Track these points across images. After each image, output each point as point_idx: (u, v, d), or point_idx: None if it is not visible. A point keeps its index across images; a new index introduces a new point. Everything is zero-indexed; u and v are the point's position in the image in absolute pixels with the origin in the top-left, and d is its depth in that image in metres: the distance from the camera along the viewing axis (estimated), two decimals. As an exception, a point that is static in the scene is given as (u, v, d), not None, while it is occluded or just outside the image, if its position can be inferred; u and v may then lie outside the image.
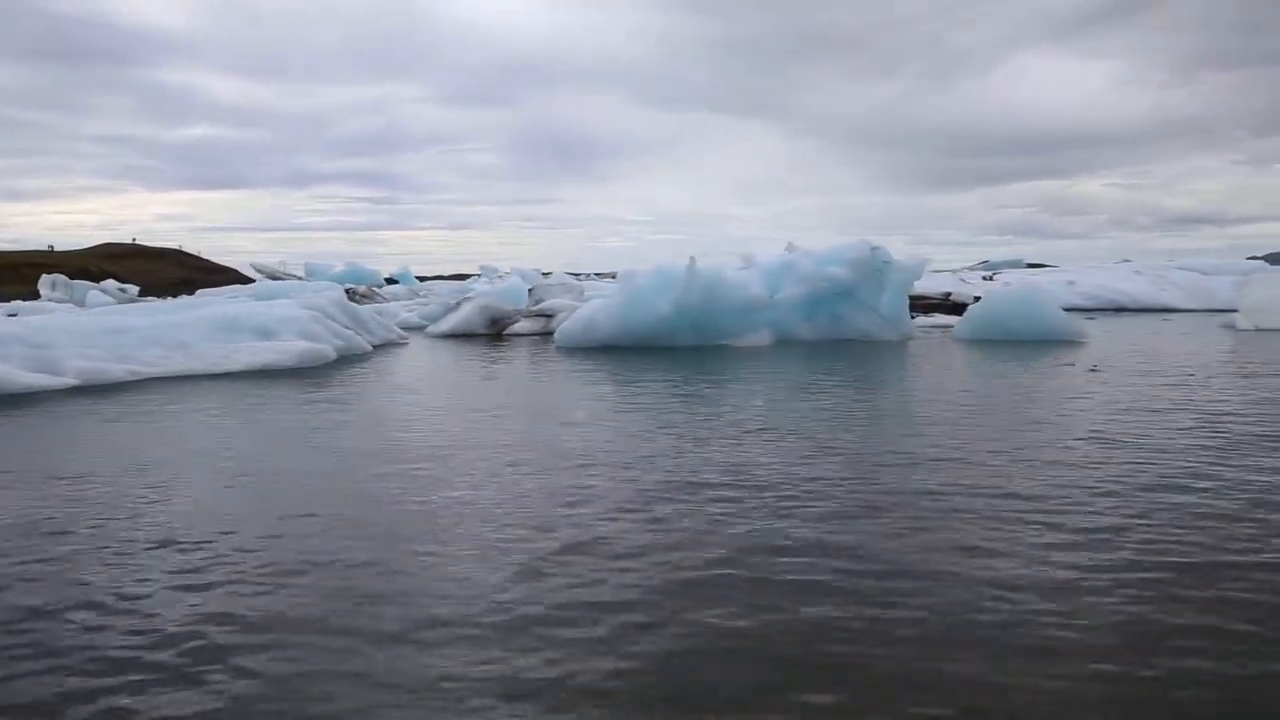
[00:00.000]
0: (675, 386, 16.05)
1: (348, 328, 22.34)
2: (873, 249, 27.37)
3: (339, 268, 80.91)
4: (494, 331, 30.26)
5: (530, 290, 32.98)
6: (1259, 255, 74.07)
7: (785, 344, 25.19)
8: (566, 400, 14.22)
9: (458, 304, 31.64)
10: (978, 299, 32.42)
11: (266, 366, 17.87)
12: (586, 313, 24.28)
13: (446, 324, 30.55)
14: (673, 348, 23.47)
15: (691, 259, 24.18)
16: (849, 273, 26.96)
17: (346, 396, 14.56)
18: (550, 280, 35.23)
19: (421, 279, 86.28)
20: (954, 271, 63.69)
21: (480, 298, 31.70)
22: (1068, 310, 55.65)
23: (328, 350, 19.15)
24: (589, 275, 65.77)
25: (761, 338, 25.14)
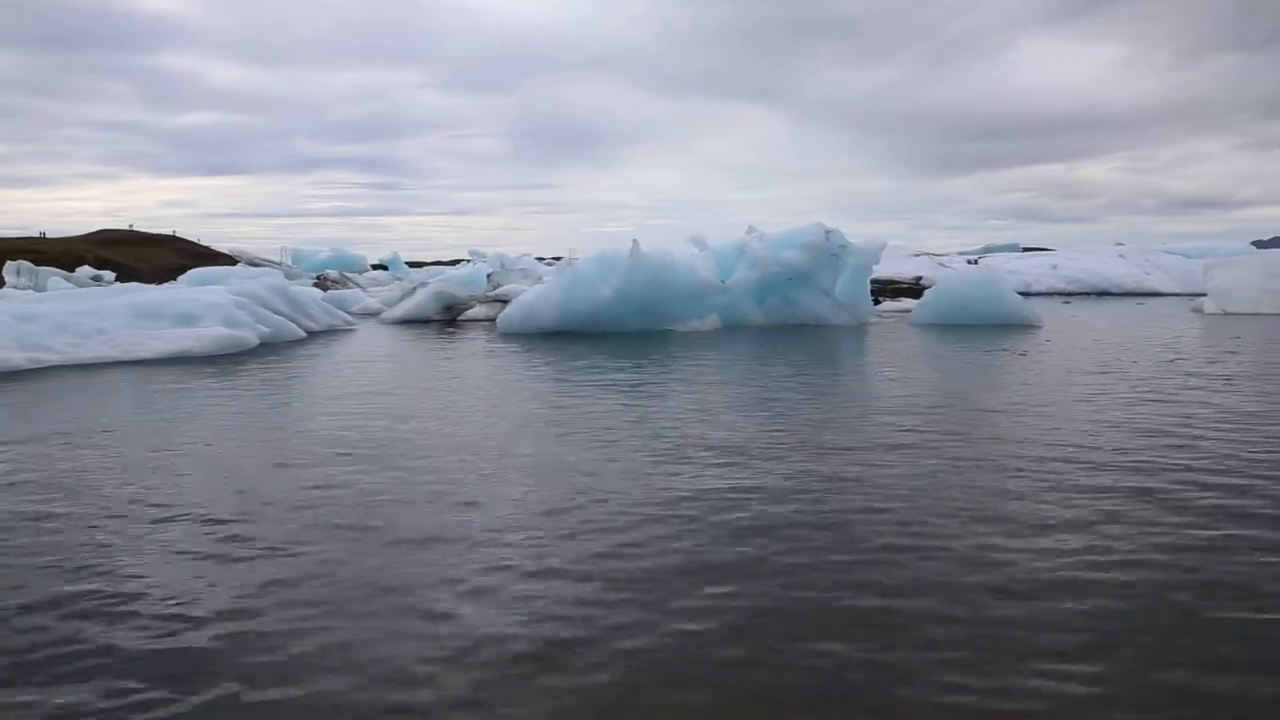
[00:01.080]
0: (592, 372, 15.64)
1: (279, 313, 21.94)
2: (828, 232, 26.91)
3: (325, 254, 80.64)
4: (448, 318, 29.88)
5: (489, 276, 32.56)
6: (1264, 239, 73.49)
7: (734, 329, 24.78)
8: (465, 387, 13.79)
9: (413, 290, 31.23)
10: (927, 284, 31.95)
11: (182, 353, 17.50)
12: (528, 299, 23.87)
13: (400, 310, 30.17)
14: (617, 333, 23.06)
15: (634, 242, 23.76)
16: (803, 256, 26.52)
17: (240, 384, 14.18)
18: (509, 266, 34.77)
19: (415, 265, 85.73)
20: (934, 255, 63.01)
21: (435, 284, 31.27)
22: (1049, 294, 55.47)
23: (248, 337, 18.77)
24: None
25: (709, 322, 24.73)
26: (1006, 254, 67.82)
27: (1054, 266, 58.73)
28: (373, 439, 9.41)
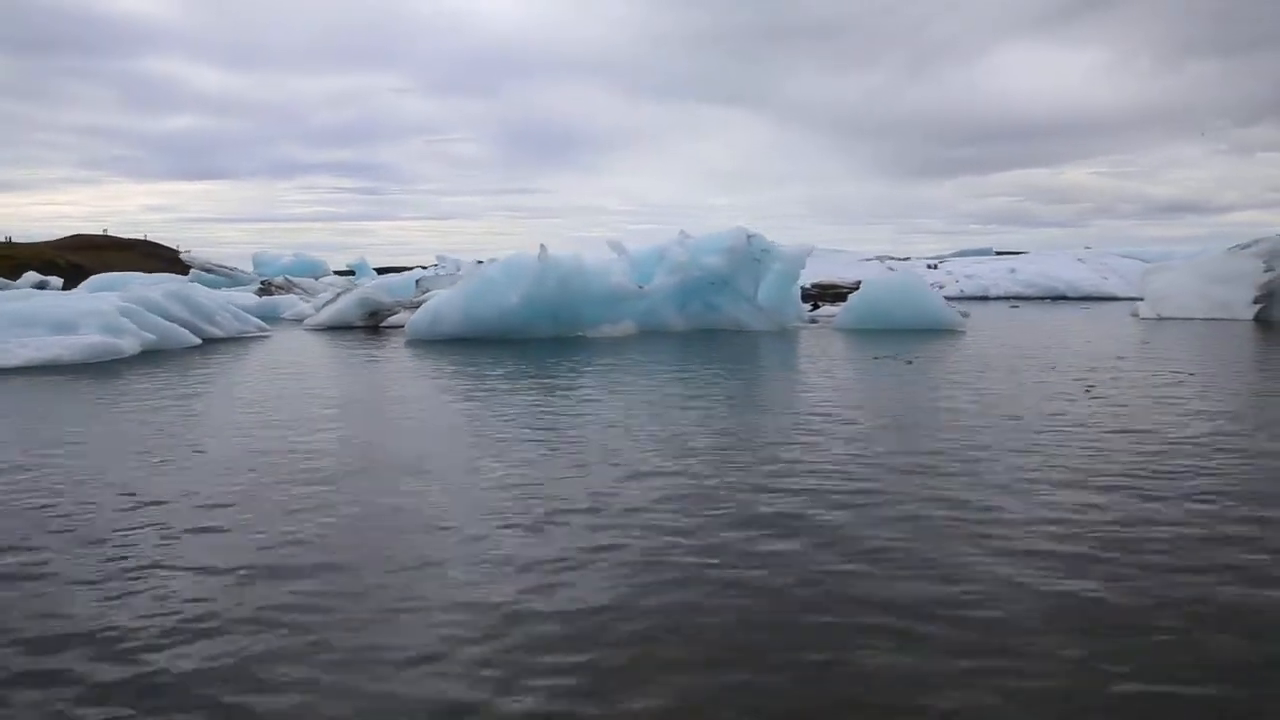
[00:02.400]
0: (460, 379, 15.24)
1: (176, 320, 21.42)
2: (750, 237, 26.56)
3: (288, 258, 79.84)
4: (372, 324, 29.38)
5: (417, 282, 32.09)
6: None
7: (650, 334, 24.39)
8: (330, 395, 13.29)
9: (336, 296, 30.75)
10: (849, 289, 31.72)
11: (51, 361, 16.97)
12: (433, 305, 23.40)
13: (323, 316, 29.66)
14: (526, 339, 22.63)
15: (541, 247, 23.35)
16: (724, 261, 26.17)
17: (89, 395, 13.68)
18: (467, 271, 34.29)
19: (387, 270, 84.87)
20: (887, 259, 62.75)
21: (360, 290, 30.78)
22: (1006, 298, 55.34)
23: (125, 345, 18.23)
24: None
25: (624, 328, 24.33)
26: (968, 258, 67.67)
27: (1012, 270, 58.63)
28: (181, 453, 8.96)
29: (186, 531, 6.27)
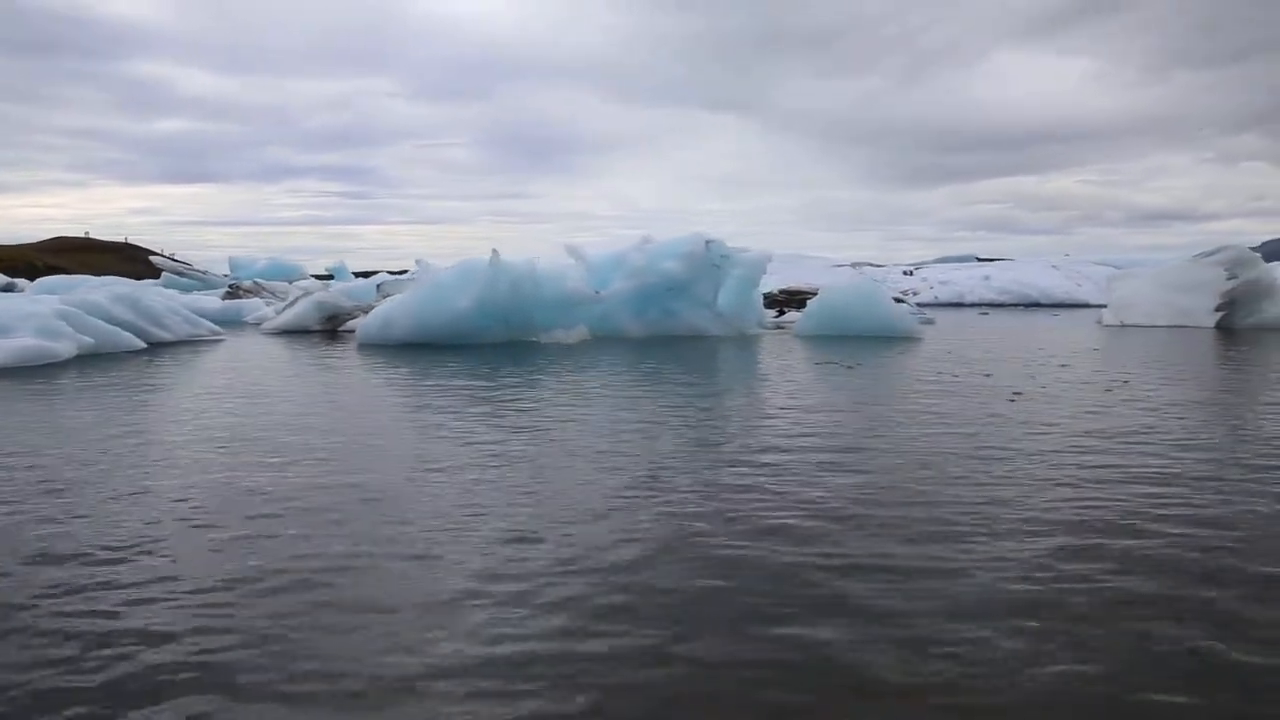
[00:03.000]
0: (396, 387, 15.04)
1: (120, 323, 21.14)
2: (708, 243, 26.43)
3: (263, 262, 79.35)
4: (329, 328, 29.13)
5: (378, 286, 31.86)
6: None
7: (605, 340, 24.21)
8: (260, 404, 13.04)
9: (294, 300, 30.49)
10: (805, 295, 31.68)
11: (-20, 365, 16.68)
12: (384, 310, 23.19)
13: (281, 320, 29.39)
14: (477, 344, 22.40)
15: (493, 252, 23.16)
16: (682, 267, 26.02)
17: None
18: (404, 275, 34.06)
19: (367, 274, 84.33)
20: (861, 265, 62.79)
21: (319, 294, 30.52)
22: (980, 305, 55.40)
23: (60, 348, 17.94)
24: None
25: (577, 334, 24.13)
26: (945, 265, 67.80)
27: (987, 277, 58.78)
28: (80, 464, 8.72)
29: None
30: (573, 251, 26.76)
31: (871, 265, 68.37)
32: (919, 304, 54.45)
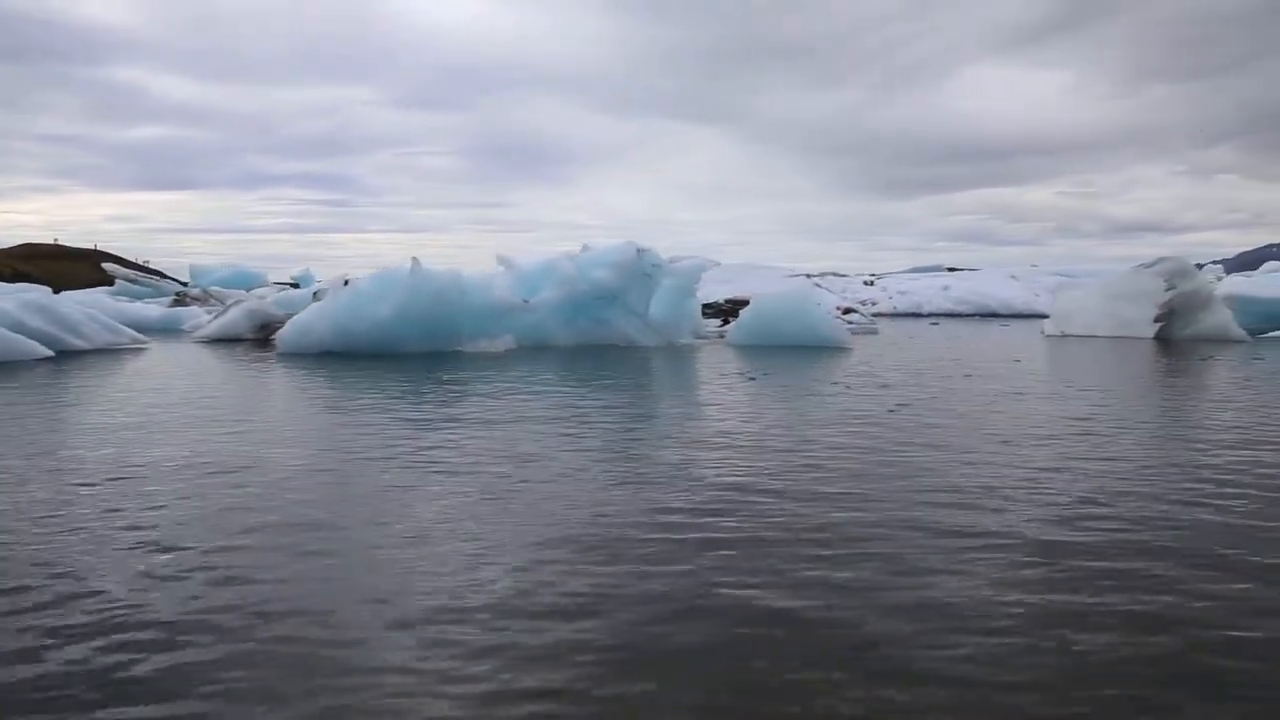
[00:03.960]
0: (295, 396, 14.75)
1: (25, 331, 20.74)
2: (640, 251, 26.26)
3: (223, 270, 78.66)
4: (261, 336, 28.72)
5: (316, 293, 31.49)
6: (1202, 263, 74.83)
7: (532, 350, 23.95)
8: (155, 412, 12.69)
9: (227, 308, 30.11)
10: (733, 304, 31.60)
11: None
12: (303, 318, 22.88)
13: (212, 328, 29.02)
14: (397, 353, 22.11)
15: (414, 260, 22.89)
16: (613, 276, 25.83)
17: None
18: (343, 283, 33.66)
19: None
20: (825, 273, 62.89)
21: (250, 301, 30.15)
22: (938, 315, 55.54)
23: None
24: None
25: (502, 343, 23.88)
26: (904, 275, 68.00)
27: (946, 288, 58.95)
28: None
29: None
30: (502, 260, 26.51)
31: (836, 275, 68.42)
32: (876, 314, 54.61)
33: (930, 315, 55.39)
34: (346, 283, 24.07)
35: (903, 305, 56.59)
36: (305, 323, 22.57)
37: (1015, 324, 44.67)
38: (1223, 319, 32.22)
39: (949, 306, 57.00)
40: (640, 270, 26.29)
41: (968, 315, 55.90)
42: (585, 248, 27.69)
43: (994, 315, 55.77)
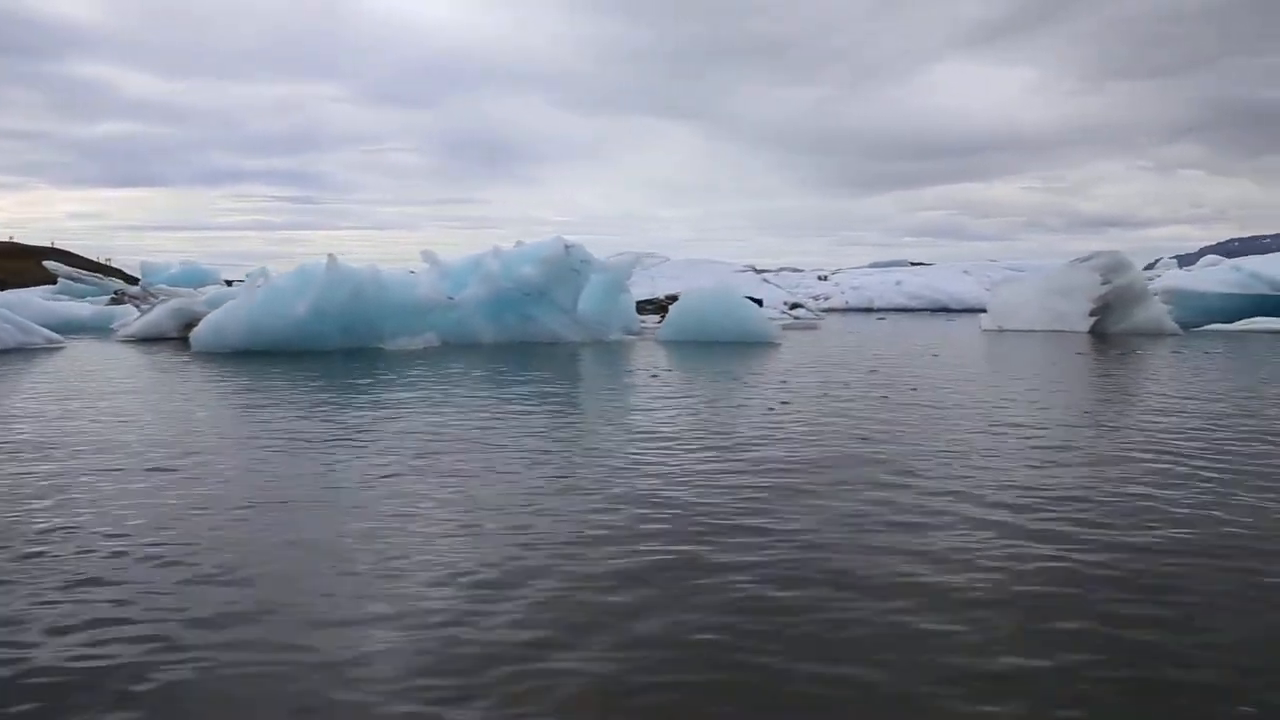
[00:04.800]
0: (197, 397, 14.38)
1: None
2: (567, 248, 26.03)
3: (175, 268, 77.52)
4: (186, 335, 28.18)
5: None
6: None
7: (456, 348, 23.64)
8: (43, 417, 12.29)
9: (152, 306, 29.58)
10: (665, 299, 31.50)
11: None
12: (216, 316, 22.46)
13: (135, 327, 28.50)
14: (315, 351, 21.75)
15: (329, 256, 22.53)
16: (540, 272, 25.58)
17: None
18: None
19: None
20: (759, 270, 62.78)
21: (176, 300, 29.62)
22: (889, 310, 55.70)
23: None
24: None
25: (424, 340, 23.59)
26: (857, 270, 68.18)
27: (899, 283, 59.15)
28: None
29: None
30: (427, 257, 26.18)
31: (793, 270, 68.45)
32: (829, 309, 54.70)
33: (881, 310, 55.57)
34: (263, 280, 23.60)
35: (856, 300, 56.73)
36: (218, 321, 22.16)
37: (963, 319, 44.79)
38: (1156, 313, 32.48)
39: (902, 301, 57.20)
40: (568, 266, 26.06)
41: (920, 310, 56.13)
42: (496, 249, 27.31)
43: (946, 310, 55.99)
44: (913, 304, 57.03)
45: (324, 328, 22.34)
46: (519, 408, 12.42)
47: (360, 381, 15.81)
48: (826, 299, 55.89)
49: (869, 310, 55.56)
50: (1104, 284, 32.87)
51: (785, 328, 34.11)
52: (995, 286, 36.00)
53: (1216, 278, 37.50)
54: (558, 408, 12.59)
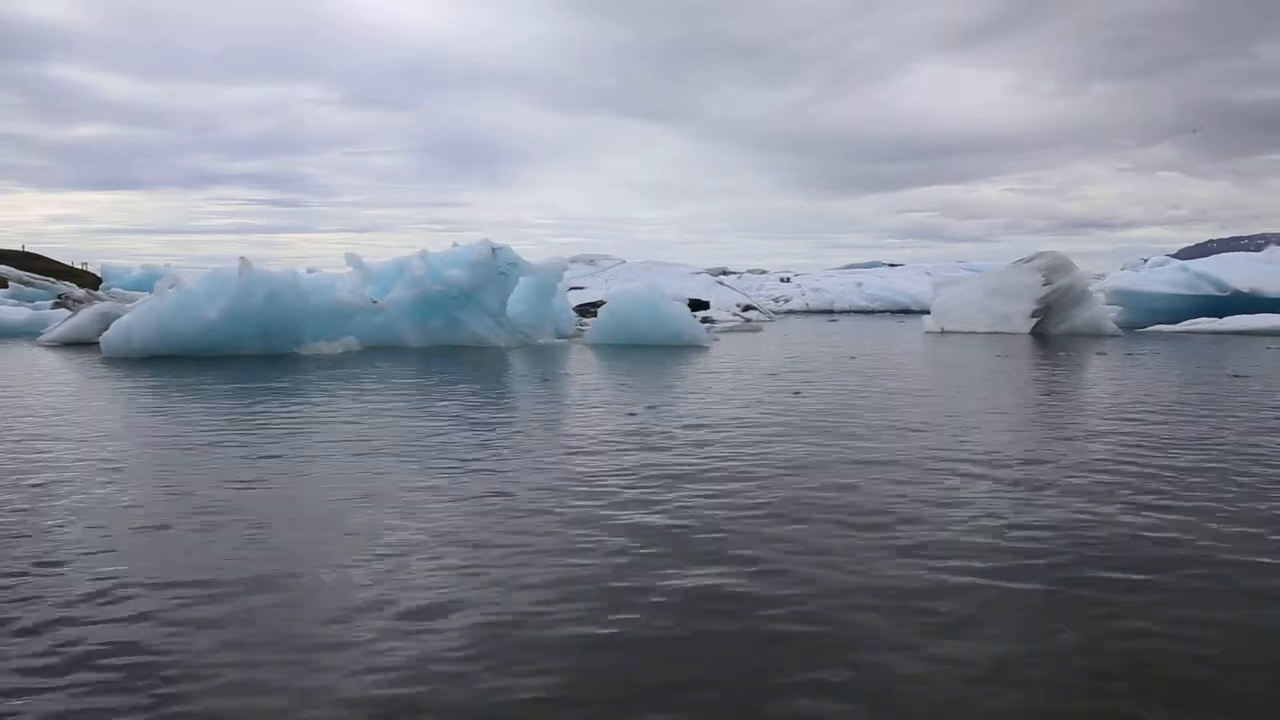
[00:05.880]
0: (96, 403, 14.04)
1: None
2: (494, 250, 25.76)
3: (137, 272, 76.79)
4: (113, 339, 27.85)
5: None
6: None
7: (378, 351, 23.33)
8: None
9: (77, 310, 29.14)
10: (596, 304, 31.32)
11: None
12: (126, 320, 22.07)
13: (59, 332, 28.03)
14: (231, 356, 21.42)
15: (242, 260, 22.20)
16: (467, 275, 25.28)
17: None
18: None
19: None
20: (714, 273, 62.68)
21: (102, 304, 29.19)
22: (849, 311, 55.63)
23: None
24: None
25: (343, 344, 23.25)
26: (820, 273, 68.18)
27: (859, 285, 59.10)
28: None
29: None
30: (351, 260, 25.84)
31: (757, 272, 68.39)
32: (789, 310, 54.64)
33: (842, 311, 55.51)
34: (174, 284, 23.21)
35: (816, 302, 56.65)
36: (127, 325, 21.77)
37: (917, 321, 44.74)
38: (1096, 314, 32.47)
39: (862, 303, 57.16)
40: (495, 269, 25.80)
41: (880, 312, 56.11)
42: (424, 253, 26.89)
43: (906, 311, 55.96)
44: (874, 306, 57.01)
45: (239, 332, 21.99)
46: (386, 411, 12.14)
47: (251, 385, 15.50)
48: (788, 301, 55.81)
49: (830, 312, 55.49)
50: (1045, 285, 32.86)
51: (728, 330, 33.99)
52: (938, 288, 35.92)
53: (1163, 279, 37.59)
54: (411, 411, 12.31)
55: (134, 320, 21.87)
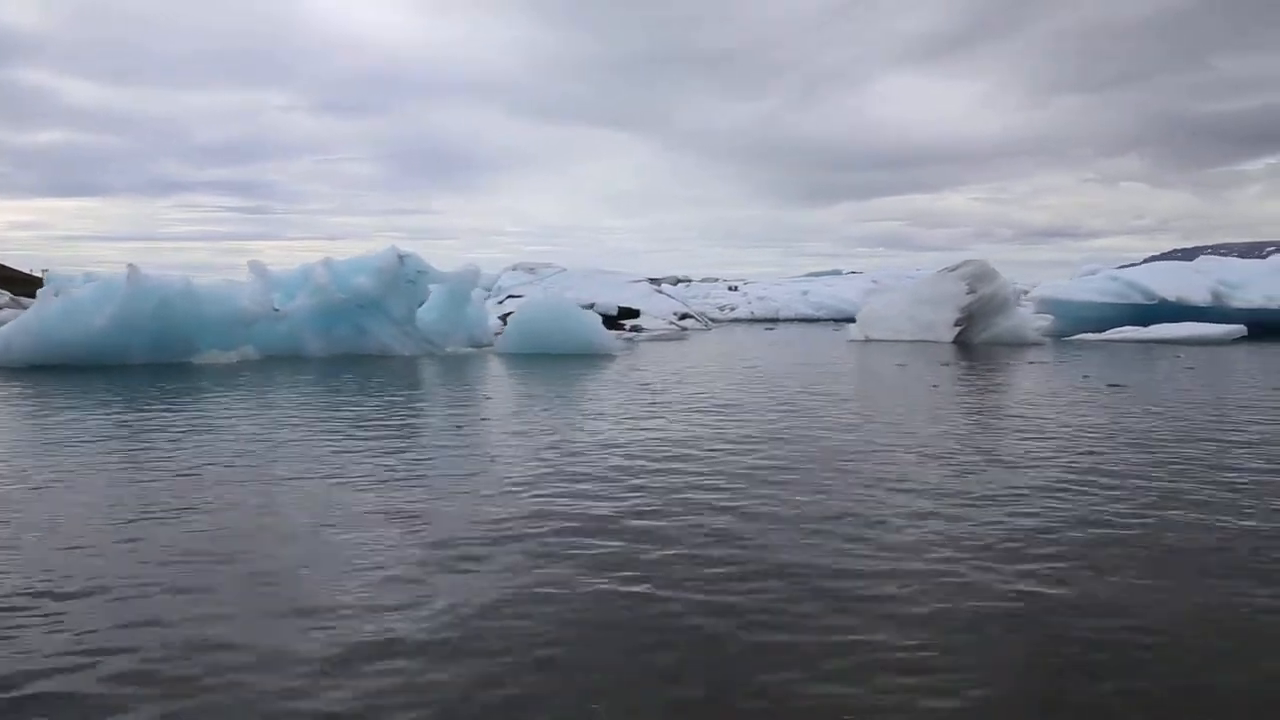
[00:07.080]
0: None
1: None
2: (401, 257, 25.40)
3: (79, 279, 75.72)
4: (14, 348, 27.16)
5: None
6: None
7: (277, 360, 22.88)
8: None
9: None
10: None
11: None
12: (6, 329, 21.48)
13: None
14: (118, 366, 20.89)
15: (130, 267, 21.68)
16: (374, 283, 24.89)
17: None
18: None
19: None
20: (654, 281, 62.46)
21: (6, 311, 28.50)
22: (795, 320, 55.68)
23: None
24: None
25: (239, 354, 22.79)
26: (766, 282, 68.31)
27: (805, 293, 59.19)
28: None
29: None
30: (254, 267, 25.35)
31: (710, 280, 68.39)
32: (734, 319, 54.60)
33: (787, 320, 55.53)
34: (58, 292, 22.61)
35: (761, 310, 56.66)
36: (7, 334, 21.18)
37: (846, 329, 44.78)
38: (1018, 323, 32.58)
39: (807, 311, 57.27)
40: (403, 277, 25.43)
41: (825, 320, 56.18)
42: (327, 260, 26.42)
43: (850, 320, 56.07)
44: (819, 314, 57.13)
45: (129, 340, 21.45)
46: (250, 426, 11.76)
47: (120, 398, 15.04)
48: (734, 309, 55.77)
49: (775, 320, 55.50)
50: (969, 294, 32.92)
51: (653, 339, 33.79)
52: (867, 295, 35.96)
53: (1093, 287, 37.83)
54: (274, 426, 11.94)
55: (14, 328, 21.31)
